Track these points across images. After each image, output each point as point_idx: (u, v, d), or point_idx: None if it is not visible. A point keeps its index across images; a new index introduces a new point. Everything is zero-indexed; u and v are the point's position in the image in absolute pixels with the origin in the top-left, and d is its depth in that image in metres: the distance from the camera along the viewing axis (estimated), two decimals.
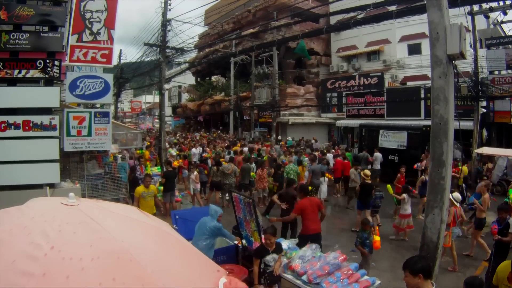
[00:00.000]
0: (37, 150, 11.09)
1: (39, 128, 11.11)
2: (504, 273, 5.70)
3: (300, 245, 8.35)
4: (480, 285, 5.06)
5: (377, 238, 9.03)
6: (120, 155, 18.06)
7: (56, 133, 11.39)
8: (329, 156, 20.16)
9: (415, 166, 19.02)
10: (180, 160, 19.70)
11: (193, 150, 22.87)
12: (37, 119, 11.09)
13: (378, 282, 6.98)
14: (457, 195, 10.56)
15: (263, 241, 7.31)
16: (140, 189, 11.66)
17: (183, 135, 41.96)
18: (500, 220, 9.03)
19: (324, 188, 16.54)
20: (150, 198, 11.73)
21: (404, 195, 12.36)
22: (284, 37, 26.39)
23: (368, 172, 13.85)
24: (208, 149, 24.47)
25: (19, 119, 10.88)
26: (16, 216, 2.85)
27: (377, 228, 9.53)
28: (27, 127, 10.95)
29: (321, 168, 17.11)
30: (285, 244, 8.18)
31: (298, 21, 23.00)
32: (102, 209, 3.15)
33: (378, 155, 20.94)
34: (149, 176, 12.56)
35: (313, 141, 30.33)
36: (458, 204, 10.37)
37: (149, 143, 28.55)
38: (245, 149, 23.82)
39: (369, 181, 13.56)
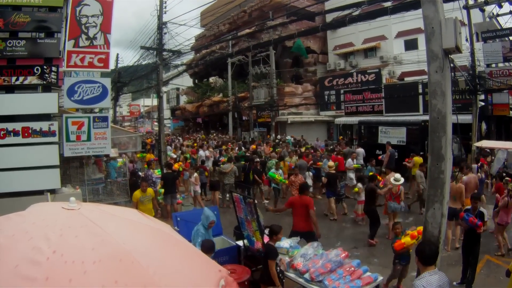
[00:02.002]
0: (37, 156, 11.07)
1: (38, 135, 11.09)
2: None
3: None
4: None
5: (404, 239, 8.13)
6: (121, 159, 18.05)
7: (55, 139, 11.38)
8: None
9: (380, 157, 19.58)
10: (181, 163, 19.65)
11: (200, 152, 22.45)
12: (36, 125, 11.07)
13: (380, 278, 7.01)
14: (398, 176, 12.93)
15: (271, 240, 7.25)
16: (138, 194, 11.79)
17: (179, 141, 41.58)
18: (472, 209, 9.17)
19: (309, 182, 16.55)
20: (148, 202, 11.86)
21: (359, 185, 14.36)
22: (280, 36, 26.44)
23: (332, 163, 15.99)
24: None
25: (18, 126, 10.87)
26: (18, 221, 2.86)
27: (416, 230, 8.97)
28: (26, 134, 10.93)
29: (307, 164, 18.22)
30: (286, 243, 8.21)
31: (294, 20, 22.97)
32: (102, 212, 3.17)
33: (360, 150, 21.59)
34: (145, 181, 12.63)
35: (316, 141, 30.30)
36: (396, 183, 12.64)
37: (149, 146, 28.62)
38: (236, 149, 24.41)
39: (333, 171, 15.45)
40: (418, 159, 17.41)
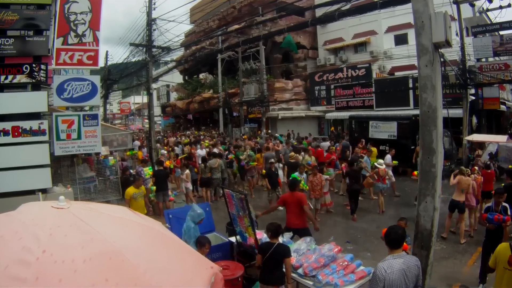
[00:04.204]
0: (27, 156, 11.01)
1: (28, 134, 11.04)
2: (504, 256, 5.69)
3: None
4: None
5: None
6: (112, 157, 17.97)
7: (45, 137, 11.32)
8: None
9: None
10: (172, 160, 19.56)
11: (198, 151, 21.69)
12: (26, 124, 11.02)
13: None
14: (381, 161, 15.49)
15: (275, 239, 7.10)
16: (131, 190, 11.49)
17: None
18: (496, 203, 9.01)
19: (280, 173, 16.52)
20: (140, 199, 11.64)
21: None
22: (270, 32, 26.38)
23: (293, 153, 17.59)
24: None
25: (8, 125, 10.81)
26: (7, 221, 2.83)
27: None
28: (16, 133, 10.88)
29: (274, 155, 19.00)
30: (280, 238, 8.19)
31: (284, 15, 22.91)
32: (92, 210, 3.14)
33: (324, 144, 22.50)
34: (141, 176, 12.55)
35: (308, 137, 30.29)
36: (381, 167, 14.84)
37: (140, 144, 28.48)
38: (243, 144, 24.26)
39: (293, 160, 16.70)
40: (373, 150, 18.75)
